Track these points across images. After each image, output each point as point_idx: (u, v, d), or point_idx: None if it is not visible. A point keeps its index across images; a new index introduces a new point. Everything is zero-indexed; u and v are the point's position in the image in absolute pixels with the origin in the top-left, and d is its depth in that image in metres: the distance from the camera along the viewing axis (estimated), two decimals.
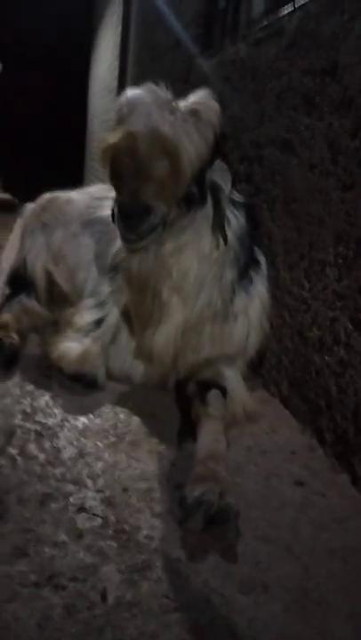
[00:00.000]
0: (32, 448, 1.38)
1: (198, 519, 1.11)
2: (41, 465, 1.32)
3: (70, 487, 1.25)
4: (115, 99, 5.88)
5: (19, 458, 1.34)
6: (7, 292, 2.24)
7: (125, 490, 1.26)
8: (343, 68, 1.48)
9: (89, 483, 1.27)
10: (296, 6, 1.78)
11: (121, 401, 1.68)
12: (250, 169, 2.06)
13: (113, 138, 1.40)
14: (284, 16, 1.86)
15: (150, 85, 1.47)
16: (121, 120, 1.43)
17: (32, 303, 2.14)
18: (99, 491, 1.25)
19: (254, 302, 1.73)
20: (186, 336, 1.62)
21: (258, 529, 1.18)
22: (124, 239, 1.49)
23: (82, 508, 1.18)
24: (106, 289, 1.91)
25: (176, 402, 1.72)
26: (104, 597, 0.97)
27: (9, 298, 2.18)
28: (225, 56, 2.39)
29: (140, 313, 1.65)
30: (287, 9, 1.85)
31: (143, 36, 4.59)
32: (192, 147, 1.38)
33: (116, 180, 1.45)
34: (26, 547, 1.06)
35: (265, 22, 2.05)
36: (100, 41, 8.00)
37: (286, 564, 1.10)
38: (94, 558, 1.05)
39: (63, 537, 1.09)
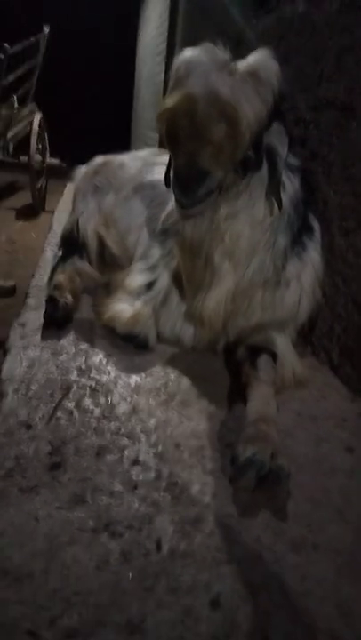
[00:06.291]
0: (88, 403, 1.42)
1: (250, 478, 1.12)
2: (96, 419, 1.35)
3: (125, 441, 1.28)
4: (163, 61, 5.77)
5: (75, 411, 1.37)
6: (60, 253, 2.28)
7: (177, 446, 1.28)
8: None
9: (143, 437, 1.30)
10: None
11: (171, 362, 1.70)
12: (305, 132, 2.00)
13: (170, 100, 1.34)
14: None
15: (208, 45, 1.40)
16: (178, 81, 1.37)
17: (84, 265, 2.18)
18: (152, 445, 1.27)
19: (307, 269, 1.69)
20: (236, 301, 1.61)
21: (308, 492, 1.19)
22: (179, 204, 1.44)
23: (136, 461, 1.21)
24: (156, 252, 1.91)
25: (225, 365, 1.73)
26: (159, 546, 1.00)
27: (62, 259, 2.21)
28: (282, 13, 2.30)
29: (191, 277, 1.64)
30: None
31: None
32: (251, 109, 1.32)
33: (173, 143, 1.38)
34: (84, 494, 1.09)
35: None
36: (149, 1, 7.79)
37: (337, 527, 1.10)
38: (149, 509, 1.08)
39: (119, 487, 1.13)
